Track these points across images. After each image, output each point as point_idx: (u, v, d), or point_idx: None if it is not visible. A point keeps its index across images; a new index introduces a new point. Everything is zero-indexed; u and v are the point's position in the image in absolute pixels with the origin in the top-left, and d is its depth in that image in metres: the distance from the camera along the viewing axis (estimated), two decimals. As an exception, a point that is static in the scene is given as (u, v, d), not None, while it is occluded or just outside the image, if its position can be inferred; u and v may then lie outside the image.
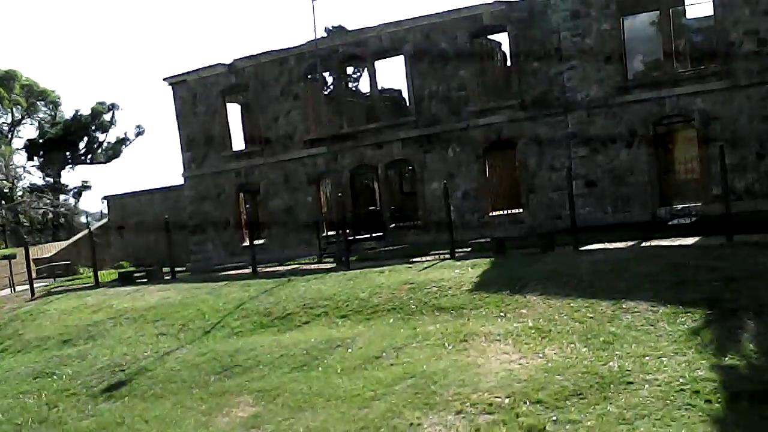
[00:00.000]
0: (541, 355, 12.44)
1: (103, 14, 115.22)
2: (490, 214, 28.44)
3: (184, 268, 31.88)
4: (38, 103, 72.31)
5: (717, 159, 24.33)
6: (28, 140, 71.42)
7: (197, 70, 35.02)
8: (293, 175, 32.32)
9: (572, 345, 12.69)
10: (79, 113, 72.11)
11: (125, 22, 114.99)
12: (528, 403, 10.63)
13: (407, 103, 31.18)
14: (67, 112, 73.98)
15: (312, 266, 25.05)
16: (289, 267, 25.46)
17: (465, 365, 12.45)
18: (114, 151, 75.25)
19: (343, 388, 12.43)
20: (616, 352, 12.10)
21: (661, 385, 10.74)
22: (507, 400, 10.81)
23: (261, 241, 32.66)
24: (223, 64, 34.21)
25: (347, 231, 27.96)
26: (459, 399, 11.07)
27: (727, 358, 11.53)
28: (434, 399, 11.23)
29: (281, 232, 32.66)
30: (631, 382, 10.92)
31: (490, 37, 30.47)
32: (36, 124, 72.62)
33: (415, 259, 22.10)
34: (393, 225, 30.43)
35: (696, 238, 19.39)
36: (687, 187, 25.69)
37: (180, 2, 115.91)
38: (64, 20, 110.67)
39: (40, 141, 70.96)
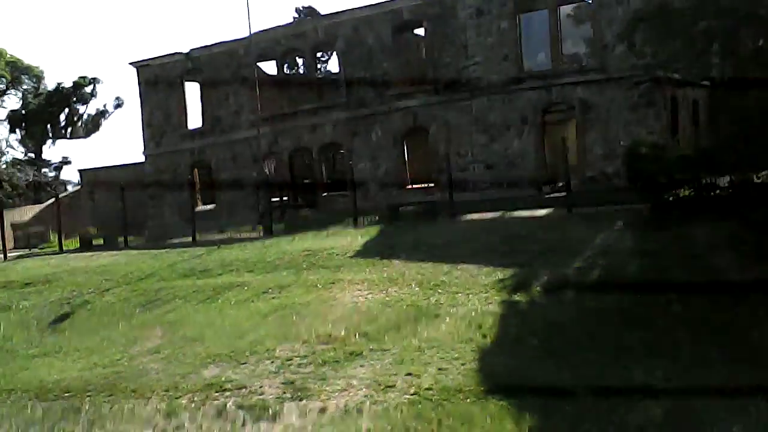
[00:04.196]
0: (384, 293, 15.44)
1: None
2: (407, 187, 31.33)
3: (141, 236, 34.68)
4: (22, 76, 73.45)
5: (593, 144, 27.57)
6: (11, 111, 72.49)
7: (160, 56, 37.67)
8: (240, 154, 35.10)
9: (409, 286, 15.70)
10: (61, 86, 73.47)
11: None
12: (357, 335, 13.53)
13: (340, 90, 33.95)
14: (50, 85, 75.03)
15: (244, 235, 27.97)
16: (226, 236, 28.35)
17: (326, 298, 15.42)
18: (94, 124, 76.65)
19: (231, 319, 15.32)
20: (438, 291, 15.16)
21: (458, 319, 13.77)
22: (342, 332, 13.74)
23: (212, 206, 35.68)
24: (181, 53, 36.87)
25: (282, 199, 31.14)
26: (309, 329, 13.99)
27: (516, 296, 14.65)
28: (291, 330, 14.13)
29: (229, 200, 35.45)
30: (438, 315, 13.95)
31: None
32: (20, 95, 73.81)
33: (329, 227, 25.04)
34: (324, 194, 33.41)
35: (549, 210, 22.40)
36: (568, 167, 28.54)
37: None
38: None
39: (23, 112, 72.30)
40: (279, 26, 33.98)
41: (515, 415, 10.61)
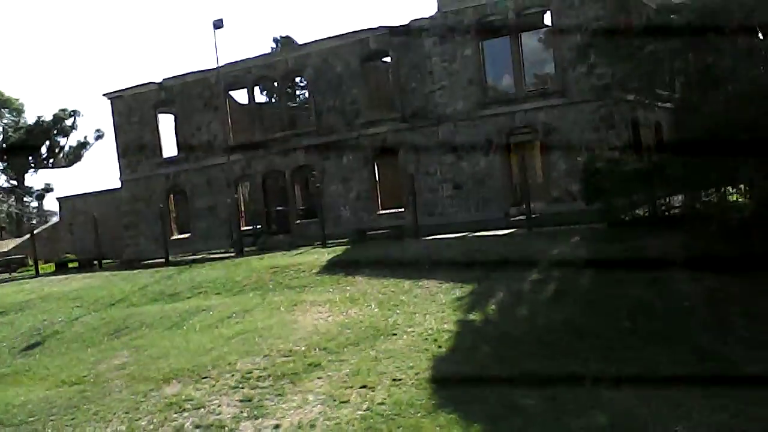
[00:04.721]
0: (344, 314, 15.76)
1: (64, 24, 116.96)
2: (379, 212, 31.70)
3: (118, 260, 34.94)
4: (2, 110, 73.75)
5: (556, 165, 28.08)
6: (-8, 144, 72.82)
7: (132, 87, 38.00)
8: (215, 179, 35.40)
9: (369, 307, 16.04)
10: (41, 119, 73.67)
11: (85, 31, 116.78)
12: (317, 349, 13.86)
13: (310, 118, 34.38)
14: (30, 118, 75.40)
15: (218, 255, 28.24)
16: (198, 256, 28.60)
17: (288, 321, 15.72)
18: (75, 155, 76.88)
19: (195, 342, 15.62)
20: (397, 312, 15.49)
21: (416, 334, 14.15)
22: (303, 348, 14.07)
23: (187, 235, 35.97)
24: (154, 83, 37.23)
25: (256, 227, 31.52)
26: (270, 347, 14.31)
27: (471, 315, 15.02)
28: (253, 348, 14.43)
29: (204, 227, 35.69)
30: (395, 333, 14.31)
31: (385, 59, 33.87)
32: (0, 128, 74.01)
33: (300, 249, 25.40)
34: (298, 221, 33.70)
35: (511, 230, 22.87)
36: (533, 190, 29.09)
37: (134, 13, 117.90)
38: (28, 30, 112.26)
39: (4, 145, 72.52)
40: (249, 58, 34.39)
41: (464, 425, 11.00)
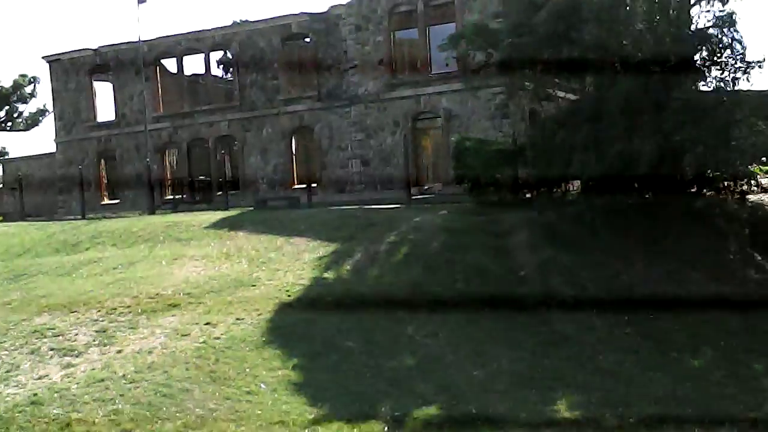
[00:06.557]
0: (216, 269, 17.04)
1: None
2: (294, 186, 33.00)
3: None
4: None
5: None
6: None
7: (69, 51, 38.68)
8: (143, 145, 36.31)
9: (240, 263, 17.36)
10: (0, 85, 73.07)
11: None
12: (182, 294, 15.06)
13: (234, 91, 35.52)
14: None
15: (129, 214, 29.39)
16: (112, 214, 29.65)
17: (165, 273, 16.87)
18: (33, 121, 76.37)
19: (78, 286, 16.65)
20: (263, 269, 16.84)
21: (272, 286, 15.53)
22: (170, 292, 15.29)
23: (116, 201, 36.93)
24: (91, 49, 37.96)
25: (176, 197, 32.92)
26: (141, 291, 15.45)
27: (326, 274, 16.47)
28: (126, 291, 15.54)
29: (132, 193, 36.59)
30: (255, 285, 15.68)
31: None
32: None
33: (206, 212, 26.56)
34: (219, 192, 34.88)
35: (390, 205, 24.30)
36: (435, 170, 30.69)
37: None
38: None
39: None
40: (180, 33, 35.44)
41: (284, 359, 12.41)
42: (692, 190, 20.46)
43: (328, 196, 30.60)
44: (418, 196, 28.69)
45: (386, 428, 10.56)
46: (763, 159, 20.80)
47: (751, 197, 20.29)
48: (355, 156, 30.87)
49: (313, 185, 32.11)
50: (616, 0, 18.00)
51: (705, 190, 20.45)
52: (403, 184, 29.73)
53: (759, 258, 17.87)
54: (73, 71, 38.37)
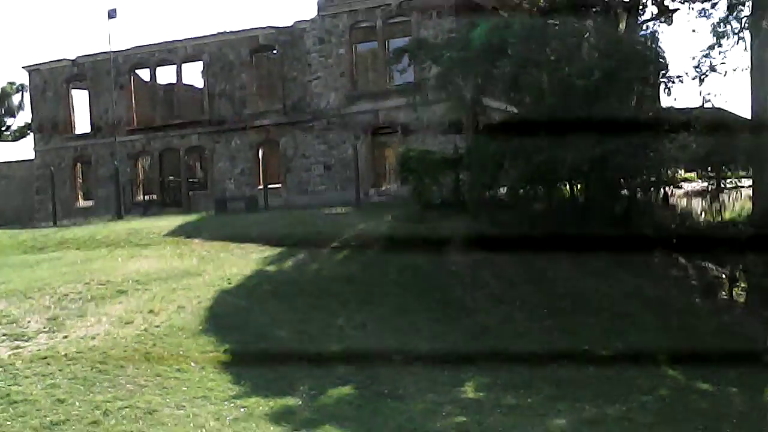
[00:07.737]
0: (167, 264, 18.05)
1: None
2: (259, 187, 33.92)
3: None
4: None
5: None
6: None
7: (48, 62, 39.53)
8: (118, 152, 37.17)
9: (191, 260, 18.42)
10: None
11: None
12: (130, 281, 16.09)
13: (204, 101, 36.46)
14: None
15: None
16: (84, 221, 30.49)
17: (119, 266, 17.94)
18: (21, 133, 76.26)
19: (37, 275, 17.46)
20: (211, 264, 17.90)
21: (216, 276, 16.60)
22: (120, 280, 16.29)
23: (90, 203, 37.80)
24: (69, 59, 38.85)
25: (146, 198, 33.83)
26: (92, 279, 16.42)
27: (269, 267, 17.52)
28: (79, 278, 16.45)
29: (105, 196, 37.38)
30: (200, 275, 16.73)
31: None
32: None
33: (170, 216, 27.52)
34: (189, 193, 35.93)
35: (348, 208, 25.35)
36: (395, 174, 31.65)
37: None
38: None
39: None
40: (154, 44, 36.48)
41: (217, 345, 13.42)
42: (621, 193, 21.68)
43: (291, 197, 31.70)
44: (376, 198, 29.75)
45: (300, 402, 11.60)
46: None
47: (674, 200, 21.76)
48: (318, 162, 31.98)
49: (278, 186, 33.11)
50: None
51: (632, 194, 21.61)
52: (362, 187, 30.95)
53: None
54: (52, 81, 39.20)
